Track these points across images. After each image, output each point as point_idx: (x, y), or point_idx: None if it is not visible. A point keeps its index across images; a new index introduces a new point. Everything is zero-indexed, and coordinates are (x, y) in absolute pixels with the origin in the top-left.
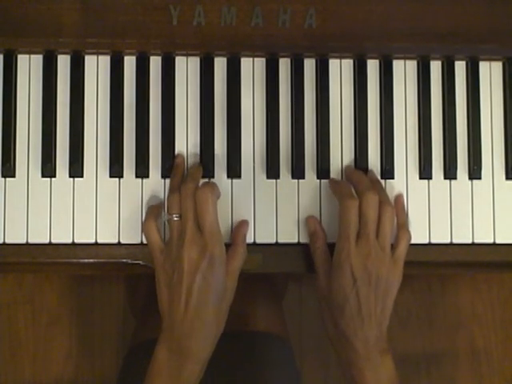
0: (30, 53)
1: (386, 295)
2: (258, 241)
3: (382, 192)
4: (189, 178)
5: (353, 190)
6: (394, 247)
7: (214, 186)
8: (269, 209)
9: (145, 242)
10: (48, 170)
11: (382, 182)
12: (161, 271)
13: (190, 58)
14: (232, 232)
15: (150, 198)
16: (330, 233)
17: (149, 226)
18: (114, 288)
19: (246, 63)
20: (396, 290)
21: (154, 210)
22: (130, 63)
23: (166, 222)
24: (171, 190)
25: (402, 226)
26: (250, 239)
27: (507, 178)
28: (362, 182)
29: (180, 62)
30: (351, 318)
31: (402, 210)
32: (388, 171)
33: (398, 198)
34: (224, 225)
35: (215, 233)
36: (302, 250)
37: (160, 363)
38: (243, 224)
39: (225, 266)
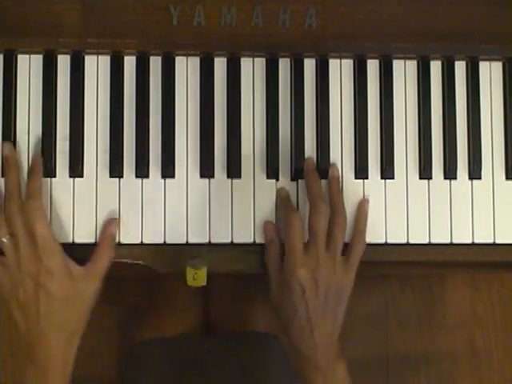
0: (30, 53)
1: (336, 304)
2: (258, 241)
3: (336, 196)
4: (8, 195)
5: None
6: (347, 253)
7: (38, 195)
8: (269, 209)
9: (145, 242)
10: (48, 170)
11: (382, 182)
12: (6, 294)
13: (190, 58)
14: (231, 233)
15: (149, 197)
16: None
17: None
18: (113, 288)
19: (245, 63)
20: (347, 297)
21: None
22: (130, 63)
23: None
24: None
25: (359, 231)
26: (249, 239)
27: (507, 178)
28: (313, 189)
29: (180, 62)
30: (300, 328)
31: (362, 215)
32: (388, 171)
33: (362, 202)
34: (224, 225)
35: (48, 244)
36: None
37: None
38: (110, 222)
39: (68, 273)
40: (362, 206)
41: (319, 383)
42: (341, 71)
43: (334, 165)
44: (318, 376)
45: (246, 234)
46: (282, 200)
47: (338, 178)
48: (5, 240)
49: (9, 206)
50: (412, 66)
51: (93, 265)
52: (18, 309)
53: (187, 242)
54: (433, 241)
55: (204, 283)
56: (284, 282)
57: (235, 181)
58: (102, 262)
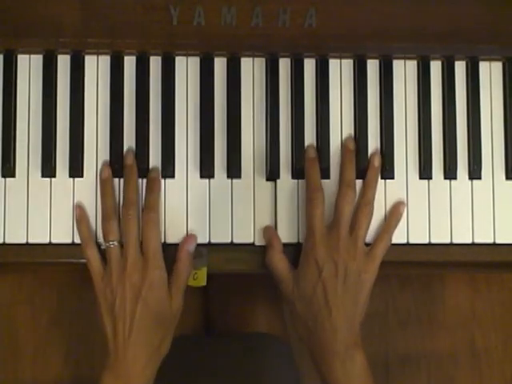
0: (30, 53)
1: (358, 290)
2: (258, 243)
3: (369, 190)
4: (127, 203)
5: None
6: (371, 246)
7: (157, 208)
8: (269, 209)
9: None
10: (48, 170)
11: (382, 182)
12: (102, 298)
13: (190, 58)
14: (231, 233)
15: None
16: None
17: (91, 254)
18: None
19: (245, 63)
20: (369, 288)
21: (88, 234)
22: (130, 63)
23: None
24: (106, 216)
25: (387, 229)
26: (249, 239)
27: (507, 178)
28: (345, 173)
29: (180, 62)
30: (319, 309)
31: (393, 214)
32: (388, 171)
33: (397, 203)
34: (224, 225)
35: (158, 258)
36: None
37: None
38: (187, 240)
39: (166, 290)
40: (397, 207)
41: (337, 368)
42: (341, 71)
43: (377, 154)
44: (336, 361)
45: (245, 234)
46: (309, 161)
47: (378, 168)
48: (111, 245)
49: (127, 214)
50: (412, 66)
51: (173, 284)
52: (109, 316)
53: None
54: (433, 241)
55: (204, 283)
56: (301, 264)
57: (235, 181)
58: (181, 280)
